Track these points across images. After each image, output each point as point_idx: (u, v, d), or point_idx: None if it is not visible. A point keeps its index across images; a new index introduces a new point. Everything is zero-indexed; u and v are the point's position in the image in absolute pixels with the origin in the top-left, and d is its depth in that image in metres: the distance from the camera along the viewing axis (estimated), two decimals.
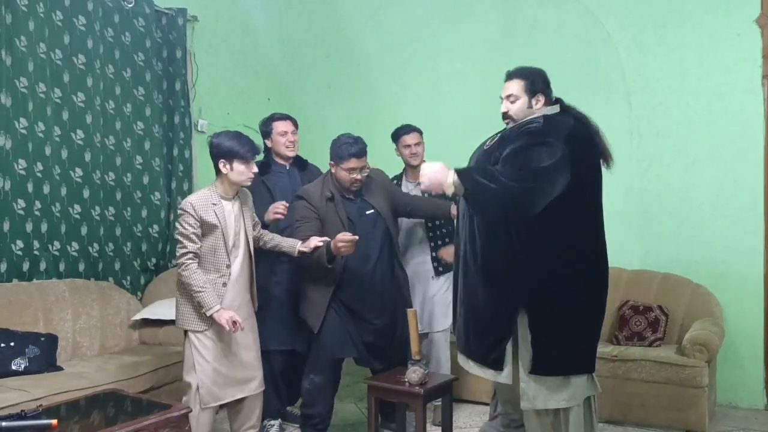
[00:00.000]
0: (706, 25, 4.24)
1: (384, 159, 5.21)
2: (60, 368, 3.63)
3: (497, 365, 2.73)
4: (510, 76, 2.84)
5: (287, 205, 3.57)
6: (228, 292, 3.19)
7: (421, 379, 3.12)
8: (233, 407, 3.32)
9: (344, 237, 3.25)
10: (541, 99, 2.79)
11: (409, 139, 4.10)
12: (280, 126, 3.80)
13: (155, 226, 4.72)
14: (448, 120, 5.13)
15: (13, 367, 3.47)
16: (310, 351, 3.57)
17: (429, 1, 5.19)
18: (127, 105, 4.58)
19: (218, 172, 3.22)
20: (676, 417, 3.73)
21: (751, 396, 4.18)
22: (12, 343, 3.52)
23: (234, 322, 3.09)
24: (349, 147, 3.48)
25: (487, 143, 2.90)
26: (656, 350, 3.91)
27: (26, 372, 3.49)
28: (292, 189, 3.69)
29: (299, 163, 3.90)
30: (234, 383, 3.23)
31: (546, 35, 4.76)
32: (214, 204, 3.18)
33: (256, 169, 3.25)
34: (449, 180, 2.66)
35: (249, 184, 3.29)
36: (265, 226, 3.56)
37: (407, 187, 4.14)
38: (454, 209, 3.65)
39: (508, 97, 2.82)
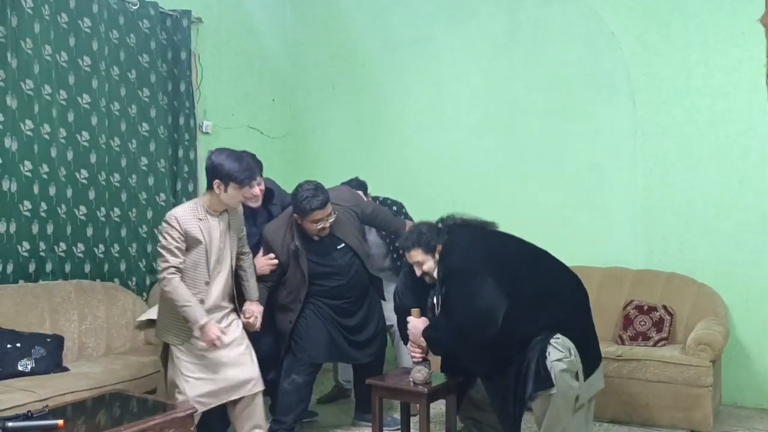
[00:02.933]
0: (710, 24, 4.23)
1: (386, 159, 5.27)
2: (66, 369, 3.64)
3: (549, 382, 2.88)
4: (408, 248, 3.21)
5: (272, 257, 3.57)
6: (205, 307, 3.12)
7: (426, 378, 3.13)
8: (233, 409, 3.27)
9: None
10: (439, 248, 3.14)
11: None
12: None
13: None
14: (452, 120, 5.13)
15: (20, 368, 3.48)
16: (289, 352, 3.60)
17: (433, 1, 5.19)
18: (132, 106, 4.60)
19: (210, 187, 3.10)
20: (680, 416, 3.72)
21: (757, 396, 4.17)
22: (18, 344, 3.53)
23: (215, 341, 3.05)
24: (311, 201, 3.35)
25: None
26: (661, 350, 3.90)
27: (32, 373, 3.50)
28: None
29: None
30: (226, 388, 3.16)
31: (550, 35, 4.76)
32: (199, 219, 3.08)
33: (248, 194, 3.15)
34: None
35: (239, 206, 3.23)
36: None
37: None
38: (408, 225, 3.87)
39: (417, 263, 3.20)
